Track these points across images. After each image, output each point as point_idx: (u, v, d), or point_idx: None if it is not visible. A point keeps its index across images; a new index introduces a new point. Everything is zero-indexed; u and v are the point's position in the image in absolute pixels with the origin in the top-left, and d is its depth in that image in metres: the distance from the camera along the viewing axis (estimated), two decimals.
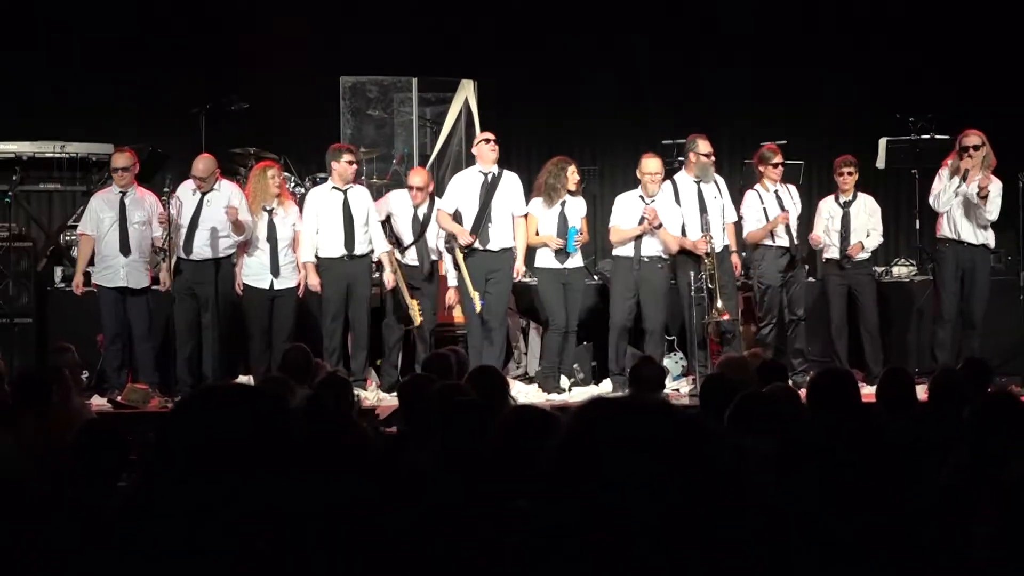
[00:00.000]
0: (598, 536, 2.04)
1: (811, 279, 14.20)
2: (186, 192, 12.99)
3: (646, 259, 13.10)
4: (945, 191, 13.15)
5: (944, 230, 13.33)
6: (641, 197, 13.20)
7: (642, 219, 13.01)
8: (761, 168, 13.59)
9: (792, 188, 13.82)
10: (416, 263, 13.33)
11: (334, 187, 13.18)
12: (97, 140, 15.31)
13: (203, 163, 13.02)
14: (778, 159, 13.53)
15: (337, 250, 13.05)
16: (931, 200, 13.40)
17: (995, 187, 13.15)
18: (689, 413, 2.24)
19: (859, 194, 13.73)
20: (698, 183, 13.34)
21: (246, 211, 12.96)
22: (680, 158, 14.71)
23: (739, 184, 14.67)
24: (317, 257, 13.12)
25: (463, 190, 13.08)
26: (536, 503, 2.15)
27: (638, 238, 13.06)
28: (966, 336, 13.30)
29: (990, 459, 4.88)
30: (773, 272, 13.45)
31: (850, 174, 13.60)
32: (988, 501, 2.56)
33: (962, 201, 13.07)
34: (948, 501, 4.34)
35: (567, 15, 17.53)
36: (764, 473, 5.05)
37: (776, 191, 13.51)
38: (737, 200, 13.75)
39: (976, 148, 13.05)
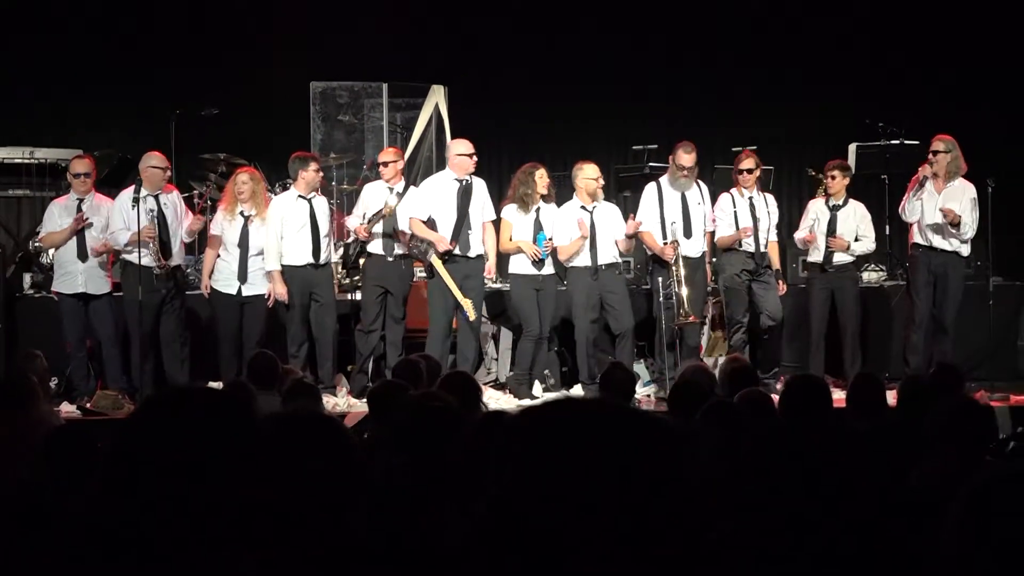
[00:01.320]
0: (550, 533, 2.03)
1: (782, 284, 14.22)
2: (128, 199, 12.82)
3: (603, 267, 13.15)
4: (909, 200, 13.20)
5: (916, 237, 13.37)
6: (583, 207, 13.24)
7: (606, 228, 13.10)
8: (734, 174, 13.63)
9: (770, 197, 13.83)
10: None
11: (299, 195, 13.13)
12: (66, 146, 15.25)
13: (160, 158, 13.01)
14: (745, 165, 13.53)
15: (303, 258, 13.00)
16: (900, 210, 13.46)
17: (967, 197, 13.17)
18: (628, 408, 2.24)
19: (850, 200, 13.75)
20: (683, 190, 13.38)
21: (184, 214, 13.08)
22: (651, 163, 14.77)
23: (711, 188, 14.70)
24: (282, 265, 13.09)
25: (438, 197, 13.04)
26: (487, 504, 2.15)
27: (593, 246, 13.10)
28: (938, 341, 13.32)
29: (955, 466, 4.90)
30: (737, 278, 13.47)
31: (833, 177, 13.62)
32: (953, 508, 2.57)
33: (933, 221, 13.10)
34: (916, 508, 4.35)
35: (538, 20, 17.55)
36: (713, 460, 5.07)
37: (751, 198, 13.52)
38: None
39: (939, 153, 13.09)
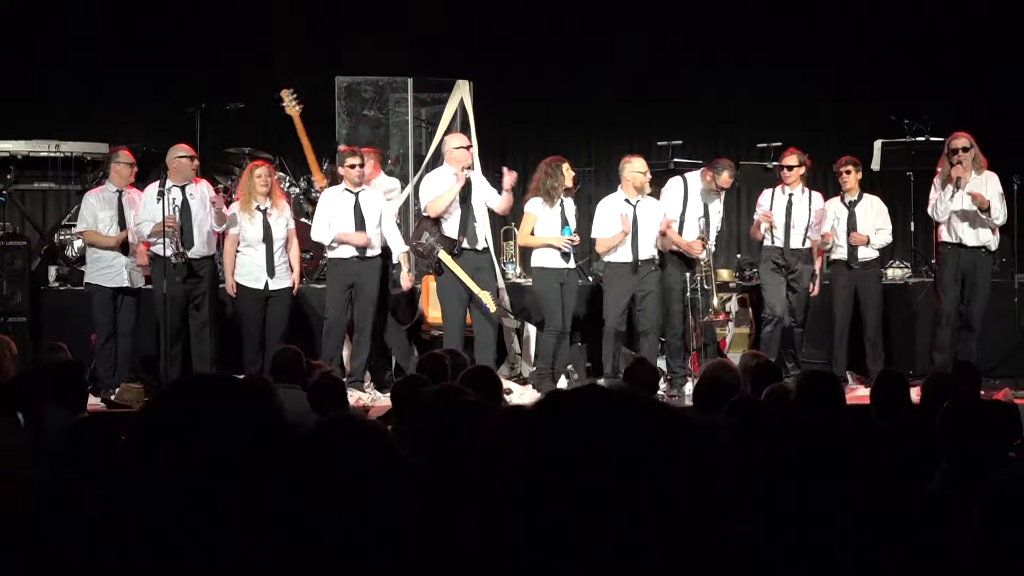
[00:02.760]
0: (566, 529, 2.02)
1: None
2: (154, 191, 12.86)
3: (642, 262, 13.13)
4: (941, 201, 13.13)
5: (944, 235, 13.33)
6: (627, 200, 13.24)
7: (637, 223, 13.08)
8: (779, 172, 13.66)
9: (817, 196, 13.78)
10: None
11: (345, 189, 13.18)
12: (91, 139, 15.30)
13: (186, 149, 13.11)
14: (785, 161, 13.54)
15: (348, 251, 13.04)
16: (929, 210, 13.40)
17: (992, 186, 13.13)
18: (650, 398, 2.21)
19: (864, 194, 13.74)
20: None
21: (221, 202, 13.09)
22: (676, 159, 14.75)
23: (736, 185, 14.68)
24: (329, 258, 13.18)
25: (446, 188, 13.05)
26: (503, 496, 2.13)
27: (635, 241, 13.09)
28: (964, 338, 13.27)
29: (972, 465, 4.88)
30: (773, 273, 13.46)
31: (848, 173, 13.61)
32: (976, 506, 2.56)
33: (960, 207, 13.05)
34: (938, 506, 4.33)
35: (563, 15, 17.54)
36: (730, 453, 5.06)
37: (791, 195, 13.51)
38: (735, 203, 13.77)
39: (965, 150, 13.04)
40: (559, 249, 13.03)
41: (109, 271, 12.99)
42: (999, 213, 13.10)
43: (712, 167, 13.38)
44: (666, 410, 2.14)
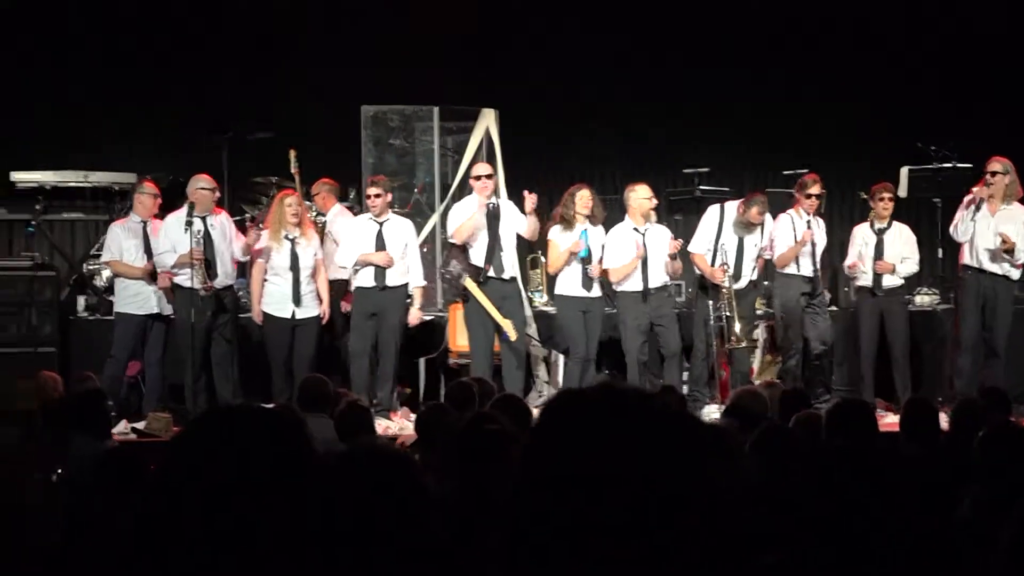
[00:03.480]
0: (577, 532, 1.99)
1: (833, 307, 14.20)
2: (180, 221, 12.92)
3: (653, 290, 13.17)
4: (963, 220, 13.12)
5: (966, 258, 13.29)
6: (635, 228, 13.27)
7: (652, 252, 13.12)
8: (798, 195, 13.60)
9: (820, 220, 13.83)
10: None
11: (370, 218, 13.23)
12: (120, 169, 15.38)
13: (208, 180, 13.20)
14: (814, 190, 13.53)
15: (370, 280, 13.09)
16: (951, 229, 13.39)
17: (1020, 218, 13.09)
18: (665, 401, 2.15)
19: (894, 222, 13.71)
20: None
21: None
22: (701, 187, 14.75)
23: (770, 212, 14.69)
24: (356, 287, 13.26)
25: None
26: (514, 502, 2.11)
27: (644, 269, 13.12)
28: (989, 364, 13.22)
29: (1005, 492, 4.86)
30: (796, 302, 13.45)
31: (890, 199, 13.61)
32: (1004, 534, 2.55)
33: (984, 233, 13.02)
34: (967, 535, 4.31)
35: (588, 44, 17.55)
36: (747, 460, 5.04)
37: (809, 221, 13.51)
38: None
39: (994, 174, 13.01)
40: (577, 258, 13.04)
41: (138, 298, 13.07)
42: (1021, 255, 13.05)
43: (744, 201, 13.39)
44: (676, 413, 2.11)
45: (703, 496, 2.00)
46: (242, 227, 14.04)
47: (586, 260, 13.12)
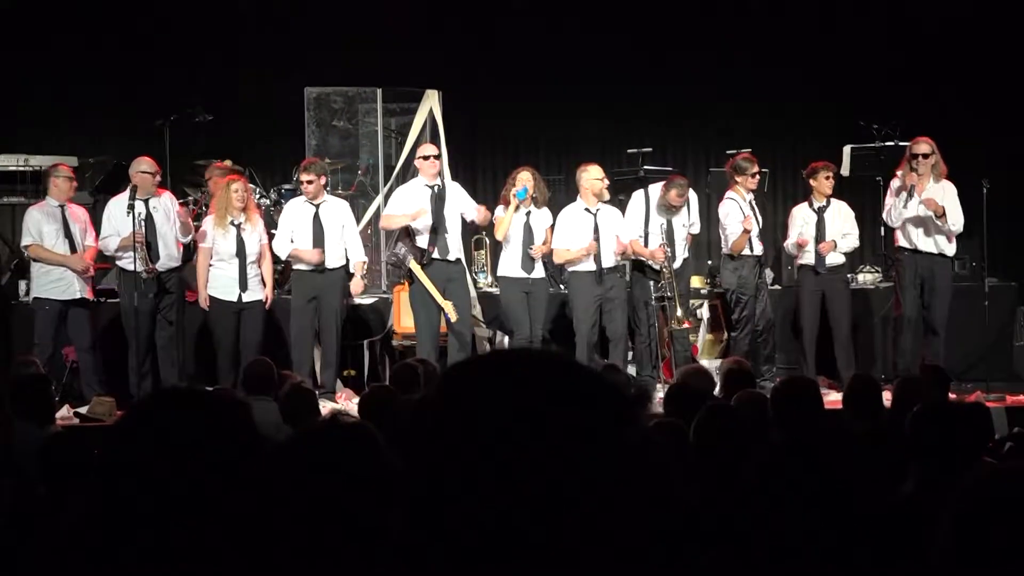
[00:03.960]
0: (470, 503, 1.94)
1: (776, 286, 14.27)
2: (123, 205, 12.82)
3: (606, 270, 13.17)
4: (896, 207, 13.19)
5: (901, 240, 13.38)
6: (587, 209, 13.27)
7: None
8: (738, 178, 13.60)
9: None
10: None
11: (306, 200, 13.21)
12: (60, 153, 15.26)
13: (149, 163, 13.07)
14: (756, 169, 13.56)
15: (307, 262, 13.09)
16: (884, 216, 13.48)
17: (950, 195, 13.18)
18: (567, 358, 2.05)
19: (832, 200, 13.75)
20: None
21: (184, 214, 13.23)
22: (646, 166, 14.77)
23: (705, 192, 14.72)
24: (293, 270, 13.21)
25: (411, 203, 13.06)
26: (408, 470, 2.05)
27: (597, 250, 13.13)
28: (929, 343, 13.32)
29: (947, 468, 4.89)
30: (750, 281, 13.49)
31: (827, 179, 13.64)
32: (948, 509, 2.57)
33: (915, 213, 13.11)
34: (910, 511, 4.34)
35: (532, 24, 17.54)
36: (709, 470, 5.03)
37: (751, 200, 13.55)
38: (706, 209, 13.77)
39: (925, 156, 13.10)
40: (517, 197, 13.02)
41: (60, 283, 12.92)
42: (955, 220, 13.12)
43: (665, 184, 13.43)
44: (576, 366, 2.04)
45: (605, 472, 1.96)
46: (186, 208, 14.00)
47: (523, 201, 13.05)
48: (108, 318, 13.50)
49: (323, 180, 13.33)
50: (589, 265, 13.19)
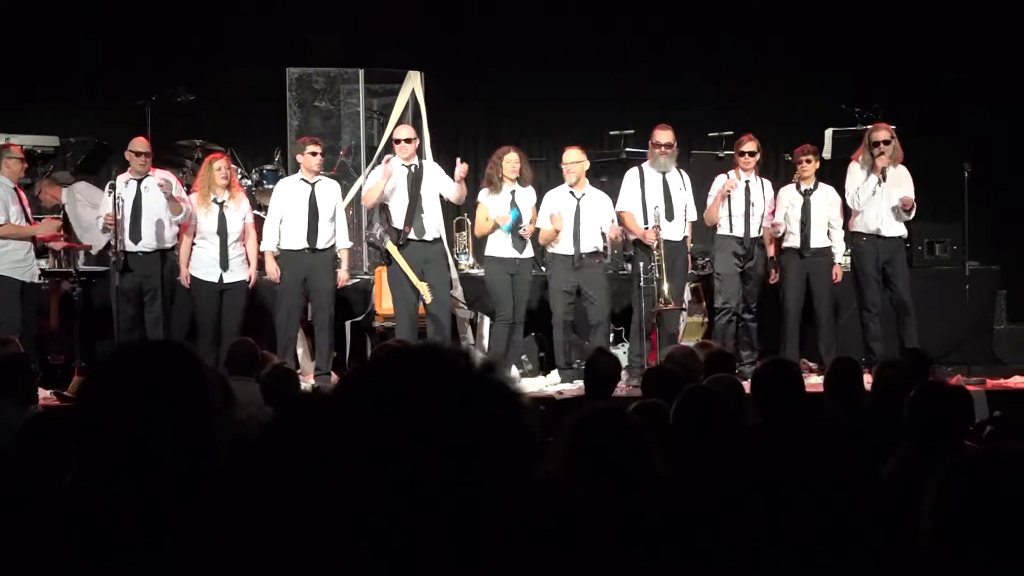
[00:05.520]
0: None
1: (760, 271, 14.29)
2: (120, 184, 12.86)
3: (585, 255, 13.16)
4: (863, 190, 13.22)
5: (858, 226, 13.41)
6: (571, 192, 13.27)
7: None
8: (735, 156, 13.65)
9: (767, 183, 13.82)
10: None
11: (302, 179, 13.20)
12: (42, 133, 15.23)
13: (141, 143, 13.05)
14: (745, 147, 13.54)
15: (299, 242, 13.06)
16: (848, 199, 13.47)
17: (907, 181, 13.32)
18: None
19: (820, 184, 13.74)
20: (663, 174, 13.36)
21: (180, 190, 13.12)
22: (628, 148, 14.77)
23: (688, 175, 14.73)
24: (279, 248, 13.16)
25: (388, 183, 13.07)
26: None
27: (576, 234, 13.12)
28: (904, 325, 13.31)
29: (932, 450, 4.91)
30: (730, 262, 13.47)
31: (808, 162, 13.61)
32: (929, 492, 2.57)
33: (882, 200, 13.16)
34: (892, 494, 4.36)
35: (514, 5, 17.52)
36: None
37: (748, 181, 13.52)
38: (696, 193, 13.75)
39: (886, 143, 13.16)
40: (503, 227, 13.06)
41: (23, 264, 12.88)
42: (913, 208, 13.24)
43: (650, 137, 13.47)
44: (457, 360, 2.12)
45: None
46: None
47: (516, 225, 13.10)
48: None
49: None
50: (567, 248, 13.18)
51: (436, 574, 1.97)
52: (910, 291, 13.37)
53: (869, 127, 13.80)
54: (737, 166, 13.61)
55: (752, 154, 13.56)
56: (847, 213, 13.67)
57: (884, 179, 13.07)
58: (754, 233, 13.53)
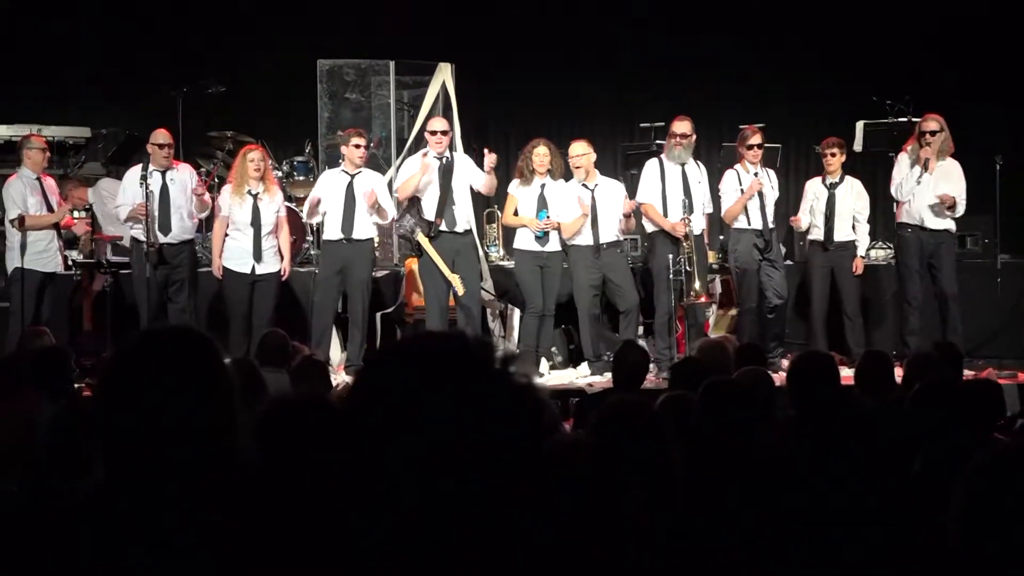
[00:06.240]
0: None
1: (789, 262, 14.21)
2: (136, 176, 12.82)
3: (605, 245, 13.15)
4: (907, 181, 13.15)
5: (904, 216, 13.33)
6: (584, 184, 13.26)
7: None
8: (741, 150, 13.55)
9: (771, 172, 13.78)
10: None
11: (343, 170, 13.22)
12: (73, 124, 15.29)
13: (163, 135, 13.09)
14: (755, 140, 13.48)
15: (335, 233, 13.08)
16: (893, 189, 13.40)
17: (956, 175, 13.16)
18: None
19: (847, 177, 13.68)
20: (682, 165, 13.32)
21: (202, 187, 13.23)
22: (659, 141, 14.75)
23: (718, 167, 14.67)
24: (322, 241, 13.33)
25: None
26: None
27: (595, 224, 13.10)
28: (947, 320, 13.20)
29: (959, 445, 4.88)
30: (749, 255, 13.41)
31: (833, 155, 13.56)
32: (959, 486, 2.56)
33: (925, 192, 13.07)
34: (922, 489, 4.34)
35: None
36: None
37: (755, 173, 13.47)
38: (715, 183, 13.72)
39: (933, 134, 13.06)
40: (537, 232, 13.09)
41: (44, 256, 12.97)
42: (961, 208, 13.13)
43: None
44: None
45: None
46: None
47: (544, 237, 13.15)
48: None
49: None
50: (587, 239, 13.17)
51: (453, 566, 1.97)
52: (956, 286, 13.25)
53: (918, 119, 13.74)
54: (743, 159, 13.54)
55: (760, 146, 13.51)
56: (878, 205, 13.61)
57: (925, 169, 13.00)
58: (770, 224, 13.48)
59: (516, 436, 2.03)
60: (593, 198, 13.19)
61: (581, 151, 13.32)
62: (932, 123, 13.12)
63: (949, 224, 13.24)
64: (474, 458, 1.98)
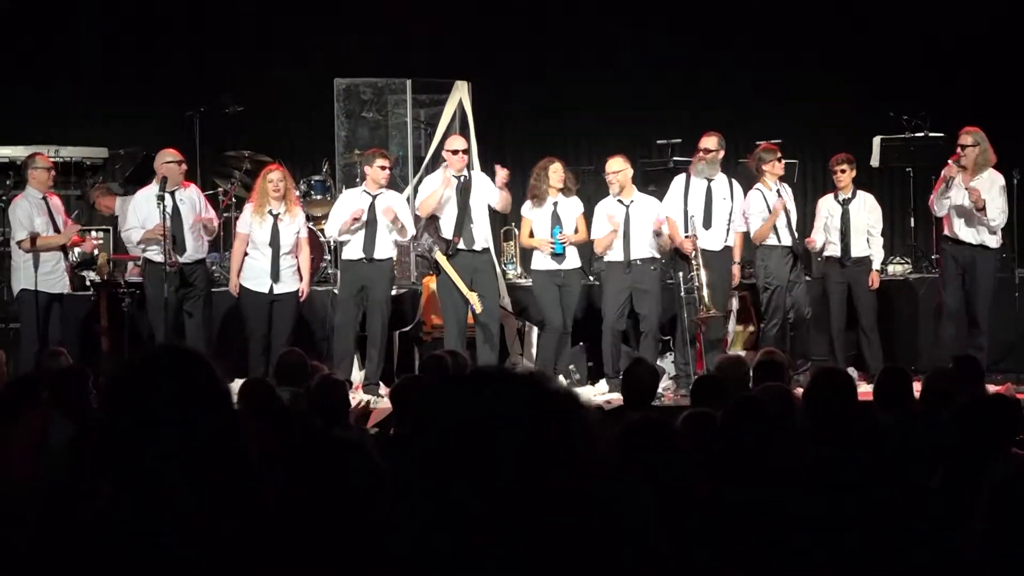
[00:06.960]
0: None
1: (807, 278, 14.20)
2: (154, 197, 12.79)
3: (638, 262, 13.14)
4: (938, 198, 13.15)
5: (946, 230, 13.33)
6: (620, 200, 13.27)
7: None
8: (764, 167, 13.51)
9: (787, 188, 13.77)
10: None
11: (364, 190, 13.23)
12: (90, 144, 15.34)
13: (172, 154, 13.09)
14: (778, 155, 13.48)
15: (356, 253, 13.08)
16: (930, 204, 13.39)
17: (995, 187, 13.09)
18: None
19: (859, 192, 13.66)
20: (708, 182, 13.33)
21: (209, 210, 13.32)
22: (675, 158, 14.75)
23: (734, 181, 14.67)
24: (341, 260, 13.31)
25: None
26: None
27: (627, 240, 13.10)
28: (971, 335, 13.19)
29: (977, 460, 4.87)
30: (781, 272, 13.37)
31: (843, 172, 13.55)
32: (979, 501, 2.56)
33: (958, 203, 13.04)
34: (940, 503, 4.33)
35: (561, 15, 17.54)
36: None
37: (778, 190, 13.46)
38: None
39: (963, 147, 13.03)
40: (555, 248, 13.10)
41: (52, 277, 12.97)
42: (994, 214, 13.01)
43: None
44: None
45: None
46: (215, 201, 14.06)
47: (562, 253, 13.17)
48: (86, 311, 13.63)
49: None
50: (619, 255, 13.18)
51: None
52: (987, 304, 13.18)
53: (934, 133, 13.73)
54: (764, 176, 13.51)
55: (780, 160, 13.51)
56: (895, 219, 13.59)
57: (949, 186, 12.97)
58: (797, 238, 13.46)
59: (588, 472, 2.05)
60: (627, 214, 13.18)
61: (618, 167, 13.33)
62: (966, 137, 13.09)
63: (985, 237, 13.13)
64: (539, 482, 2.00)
